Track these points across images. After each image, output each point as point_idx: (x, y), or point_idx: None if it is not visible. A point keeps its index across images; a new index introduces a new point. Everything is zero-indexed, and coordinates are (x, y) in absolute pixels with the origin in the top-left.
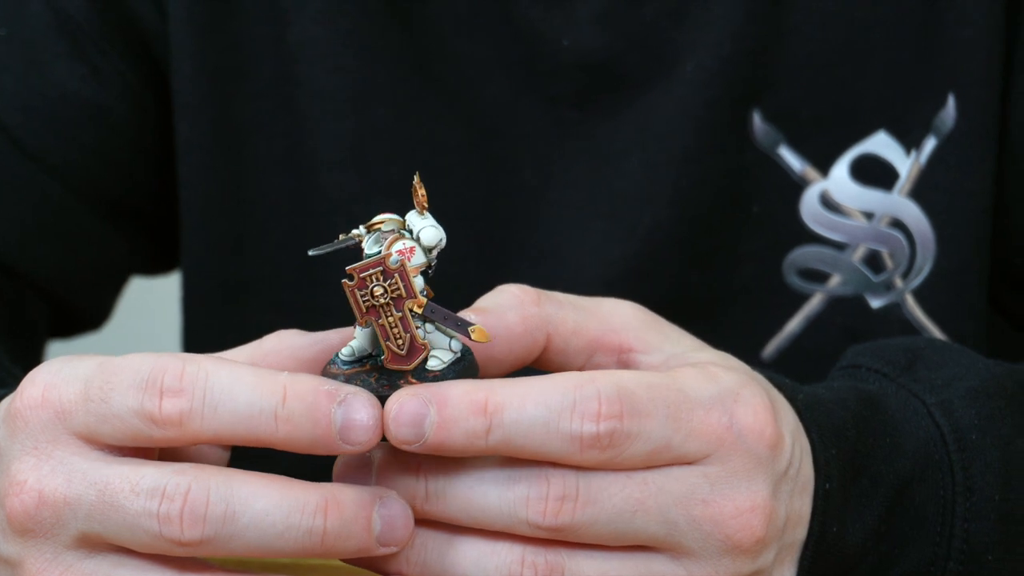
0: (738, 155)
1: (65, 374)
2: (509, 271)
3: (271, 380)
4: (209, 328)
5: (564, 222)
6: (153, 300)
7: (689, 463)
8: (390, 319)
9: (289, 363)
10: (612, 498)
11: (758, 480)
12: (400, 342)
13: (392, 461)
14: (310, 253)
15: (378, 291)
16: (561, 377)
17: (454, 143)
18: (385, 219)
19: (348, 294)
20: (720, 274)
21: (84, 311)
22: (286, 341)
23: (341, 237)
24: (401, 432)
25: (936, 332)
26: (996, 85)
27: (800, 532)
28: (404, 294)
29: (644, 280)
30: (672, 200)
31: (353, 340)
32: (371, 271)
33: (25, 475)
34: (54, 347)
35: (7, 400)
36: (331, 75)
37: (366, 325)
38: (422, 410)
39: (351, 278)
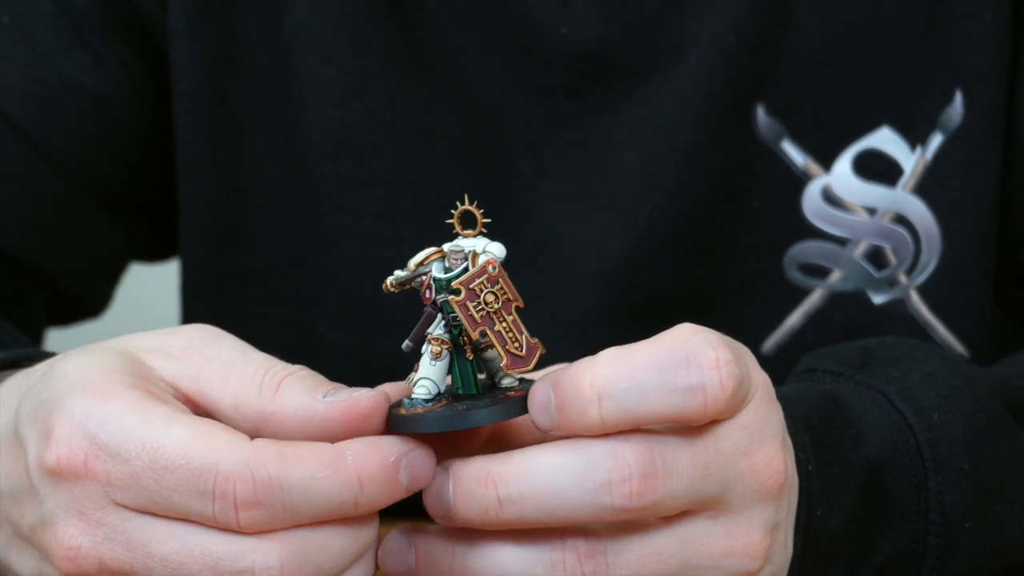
0: (740, 149)
1: (103, 439)
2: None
3: (342, 469)
4: (207, 316)
5: (559, 213)
6: (152, 288)
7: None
8: (503, 324)
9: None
10: (685, 467)
11: (775, 425)
12: (517, 345)
13: (462, 476)
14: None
15: (490, 298)
16: (664, 336)
17: (448, 132)
18: (430, 253)
19: (459, 309)
20: (720, 268)
21: (83, 299)
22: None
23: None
24: (540, 419)
25: (941, 329)
26: (1003, 82)
27: (795, 499)
28: (511, 297)
29: (643, 273)
30: (672, 193)
31: (424, 380)
32: (478, 280)
33: (77, 540)
34: (53, 334)
35: (35, 442)
36: (325, 64)
37: (481, 336)
38: (547, 394)
39: (458, 293)
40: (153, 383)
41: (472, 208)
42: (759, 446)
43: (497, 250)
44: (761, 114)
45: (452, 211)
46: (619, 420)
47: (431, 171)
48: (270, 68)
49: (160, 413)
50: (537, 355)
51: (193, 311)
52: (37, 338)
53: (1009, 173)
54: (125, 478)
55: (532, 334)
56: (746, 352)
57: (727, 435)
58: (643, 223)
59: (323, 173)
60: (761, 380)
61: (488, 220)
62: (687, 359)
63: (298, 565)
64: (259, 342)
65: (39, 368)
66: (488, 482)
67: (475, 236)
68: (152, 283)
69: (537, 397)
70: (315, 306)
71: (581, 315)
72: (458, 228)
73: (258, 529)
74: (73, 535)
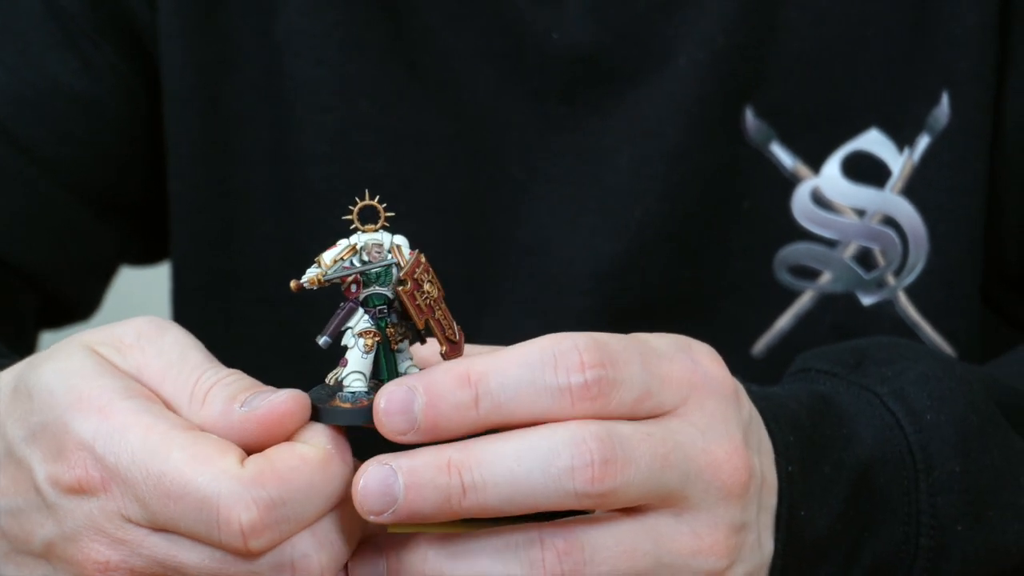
0: (729, 151)
1: (111, 462)
2: (495, 265)
3: (332, 463)
4: (198, 318)
5: (551, 217)
6: (142, 291)
7: (668, 414)
8: (440, 311)
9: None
10: (644, 455)
11: (732, 424)
12: (451, 332)
13: (416, 467)
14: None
15: (428, 287)
16: (536, 339)
17: (439, 136)
18: (345, 248)
19: (406, 299)
20: (710, 270)
21: (73, 302)
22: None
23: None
24: (393, 422)
25: (929, 330)
26: (990, 83)
27: (772, 499)
28: (440, 287)
29: (634, 276)
30: (663, 195)
31: (356, 373)
32: (418, 270)
33: (105, 556)
34: (45, 337)
35: (43, 463)
36: (316, 68)
37: (425, 326)
38: (408, 396)
39: (405, 283)
40: (127, 380)
41: (374, 203)
42: (717, 443)
43: (406, 243)
44: (750, 116)
45: (350, 207)
46: (494, 417)
47: (423, 174)
48: (261, 70)
49: (159, 431)
50: (463, 342)
51: (184, 313)
52: (28, 340)
53: (996, 174)
54: (137, 501)
55: (525, 337)
56: (670, 354)
57: (680, 429)
58: (634, 225)
59: (315, 176)
60: (715, 377)
61: (391, 214)
62: (554, 359)
63: (329, 541)
64: (251, 344)
65: (5, 382)
66: (451, 469)
67: (376, 231)
68: (143, 285)
69: (395, 398)
70: (307, 308)
71: (573, 318)
72: (357, 224)
73: (269, 547)
74: (100, 551)
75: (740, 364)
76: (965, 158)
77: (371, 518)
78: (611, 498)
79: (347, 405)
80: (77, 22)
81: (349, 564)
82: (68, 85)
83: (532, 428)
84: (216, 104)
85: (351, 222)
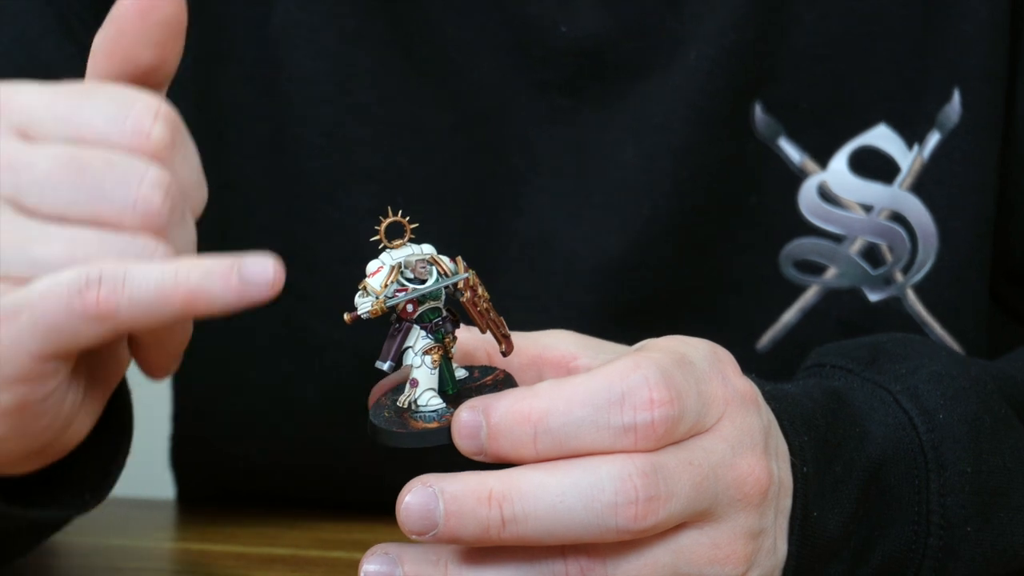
0: (737, 146)
1: None
2: (496, 258)
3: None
4: None
5: (554, 210)
6: None
7: (706, 431)
8: (493, 313)
9: None
10: (684, 486)
11: (756, 434)
12: (504, 329)
13: (458, 495)
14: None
15: (481, 290)
16: (603, 371)
17: (439, 127)
18: (390, 271)
19: (471, 308)
20: (716, 265)
21: None
22: None
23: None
24: (465, 445)
25: (937, 327)
26: (1001, 80)
27: (787, 502)
28: (484, 285)
29: (639, 271)
30: (670, 191)
31: (430, 391)
32: (473, 281)
33: None
34: None
35: None
36: (315, 58)
37: (487, 331)
38: (476, 424)
39: (463, 293)
40: None
41: (398, 218)
42: (742, 456)
43: (435, 251)
44: (759, 111)
45: (376, 227)
46: (552, 453)
47: (423, 166)
48: (258, 61)
49: None
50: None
51: None
52: None
53: (1007, 171)
54: None
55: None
56: (709, 373)
57: (713, 448)
58: (641, 221)
59: (312, 168)
60: (740, 389)
61: (415, 225)
62: (622, 397)
63: None
64: (247, 336)
65: None
66: (491, 501)
67: (404, 244)
68: None
69: (464, 423)
70: (304, 301)
71: (577, 313)
72: (384, 242)
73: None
74: None
75: (745, 358)
76: (976, 156)
77: (413, 537)
78: (649, 532)
79: (433, 424)
80: (72, 8)
81: (361, 571)
82: (63, 71)
83: (576, 460)
84: (212, 95)
85: (379, 241)
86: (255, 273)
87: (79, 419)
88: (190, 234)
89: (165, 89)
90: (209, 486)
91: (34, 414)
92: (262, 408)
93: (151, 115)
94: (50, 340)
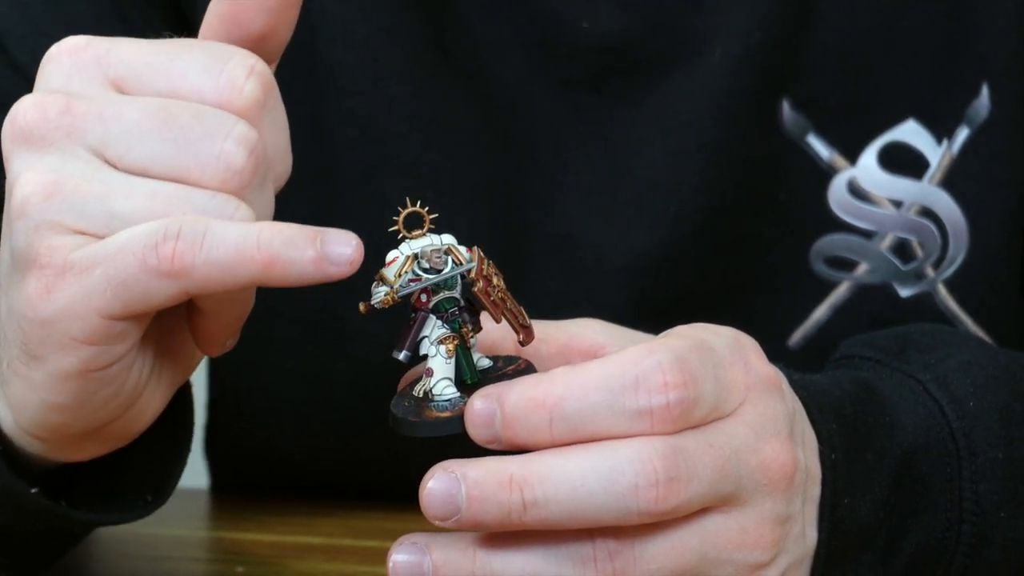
0: (765, 143)
1: None
2: (524, 255)
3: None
4: None
5: (581, 208)
6: None
7: (724, 417)
8: (510, 302)
9: None
10: (705, 468)
11: (780, 420)
12: (522, 318)
13: (479, 480)
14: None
15: (496, 280)
16: (617, 356)
17: (469, 123)
18: (406, 260)
19: (483, 298)
20: (746, 262)
21: None
22: None
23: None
24: (479, 434)
25: (969, 322)
26: None
27: (815, 490)
28: (502, 275)
29: (669, 269)
30: (699, 189)
31: (445, 379)
32: (484, 266)
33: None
34: None
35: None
36: (348, 51)
37: (501, 320)
38: (490, 412)
39: (476, 283)
40: None
41: (418, 209)
42: (766, 442)
43: (454, 241)
44: (786, 108)
45: (395, 217)
46: (568, 439)
47: (452, 161)
48: (292, 54)
49: None
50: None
51: None
52: None
53: None
54: None
55: None
56: (730, 359)
57: (735, 432)
58: (669, 218)
59: (345, 160)
60: (764, 375)
61: (435, 215)
62: (636, 381)
63: None
64: (282, 328)
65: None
66: (512, 486)
67: (424, 235)
68: None
69: (478, 411)
70: (338, 292)
71: (607, 311)
72: (403, 232)
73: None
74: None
75: (777, 356)
76: (1005, 151)
77: (436, 523)
78: (671, 515)
79: (447, 413)
80: None
81: (390, 561)
82: None
83: (596, 444)
84: None
85: (398, 232)
86: (337, 249)
87: (144, 400)
88: (269, 203)
89: (275, 63)
90: (242, 475)
91: (98, 381)
92: (295, 396)
93: (246, 71)
94: (120, 297)
